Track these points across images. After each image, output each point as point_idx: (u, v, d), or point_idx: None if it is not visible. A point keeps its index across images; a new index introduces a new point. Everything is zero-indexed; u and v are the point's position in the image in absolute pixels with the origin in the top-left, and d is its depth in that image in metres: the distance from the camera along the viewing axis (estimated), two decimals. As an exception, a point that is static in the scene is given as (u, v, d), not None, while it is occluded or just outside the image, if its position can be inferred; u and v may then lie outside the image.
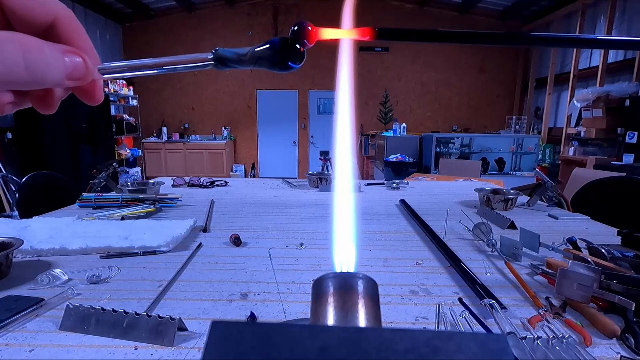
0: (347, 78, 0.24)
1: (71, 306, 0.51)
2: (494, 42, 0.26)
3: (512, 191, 1.32)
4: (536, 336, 0.46)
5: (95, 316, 0.50)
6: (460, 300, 0.59)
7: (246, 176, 7.36)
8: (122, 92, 6.44)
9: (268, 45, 0.21)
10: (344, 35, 0.22)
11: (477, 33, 0.26)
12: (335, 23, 0.23)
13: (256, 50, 0.21)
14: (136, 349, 0.46)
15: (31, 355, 0.45)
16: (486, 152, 5.22)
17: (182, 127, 7.46)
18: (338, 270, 0.21)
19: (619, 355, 0.46)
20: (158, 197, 1.28)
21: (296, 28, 0.21)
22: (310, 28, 0.21)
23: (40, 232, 0.87)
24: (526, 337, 0.46)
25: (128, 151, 6.38)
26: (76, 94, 0.22)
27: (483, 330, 0.51)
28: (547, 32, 6.42)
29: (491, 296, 0.58)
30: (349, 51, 0.23)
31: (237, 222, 1.09)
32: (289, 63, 0.21)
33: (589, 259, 0.68)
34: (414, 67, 7.34)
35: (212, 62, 0.21)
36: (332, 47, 0.21)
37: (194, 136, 7.32)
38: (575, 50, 5.37)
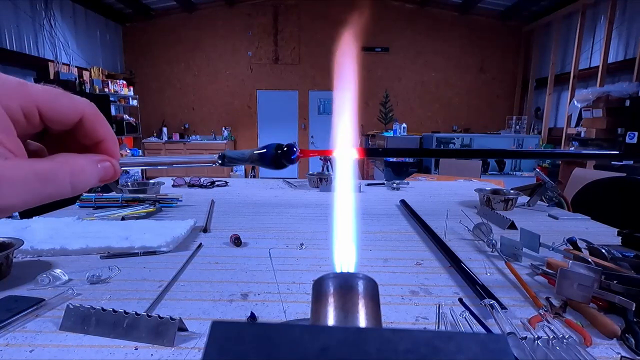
0: (346, 78, 0.24)
1: (71, 306, 0.51)
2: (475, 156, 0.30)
3: (512, 191, 1.32)
4: (536, 336, 0.46)
5: (95, 316, 0.50)
6: (460, 300, 0.59)
7: (246, 176, 7.36)
8: (122, 92, 6.42)
9: (264, 150, 0.26)
10: (326, 154, 0.26)
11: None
12: (334, 23, 0.23)
13: (255, 152, 0.26)
14: (136, 349, 0.46)
15: (31, 355, 0.45)
16: (486, 152, 5.22)
17: (182, 127, 7.46)
18: (338, 270, 0.21)
19: (619, 355, 0.46)
20: (158, 197, 1.28)
21: (285, 149, 0.26)
22: (295, 149, 0.26)
23: (40, 232, 0.87)
24: (526, 337, 0.46)
25: (128, 151, 6.38)
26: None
27: (483, 330, 0.51)
28: (547, 32, 6.43)
29: (491, 296, 0.58)
30: (349, 52, 0.23)
31: (237, 222, 1.08)
32: (283, 161, 0.26)
33: (589, 259, 0.67)
34: (414, 67, 7.34)
35: (220, 162, 0.26)
36: (332, 46, 0.21)
37: (194, 136, 7.32)
38: (575, 50, 5.37)
